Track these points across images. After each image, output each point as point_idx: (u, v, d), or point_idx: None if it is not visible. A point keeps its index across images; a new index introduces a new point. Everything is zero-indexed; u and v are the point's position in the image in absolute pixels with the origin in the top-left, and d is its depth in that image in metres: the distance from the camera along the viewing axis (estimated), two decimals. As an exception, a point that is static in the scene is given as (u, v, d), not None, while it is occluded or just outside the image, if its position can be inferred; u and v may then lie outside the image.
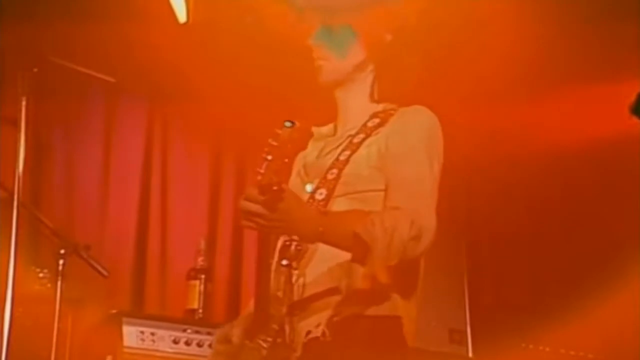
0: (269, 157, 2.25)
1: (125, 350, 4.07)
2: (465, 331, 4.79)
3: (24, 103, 3.27)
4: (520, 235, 5.33)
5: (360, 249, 2.34)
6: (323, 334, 2.42)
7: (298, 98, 2.73)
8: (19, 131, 3.26)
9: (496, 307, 5.27)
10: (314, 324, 2.44)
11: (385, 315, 2.46)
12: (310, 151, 2.75)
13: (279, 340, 2.39)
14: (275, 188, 2.23)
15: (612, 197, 5.07)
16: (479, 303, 4.99)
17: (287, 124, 2.30)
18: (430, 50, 2.75)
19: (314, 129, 2.76)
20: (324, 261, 2.47)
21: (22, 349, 3.25)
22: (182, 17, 4.50)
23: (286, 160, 2.26)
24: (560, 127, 4.94)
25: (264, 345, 2.40)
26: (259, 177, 2.24)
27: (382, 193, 2.48)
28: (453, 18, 4.33)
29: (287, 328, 2.40)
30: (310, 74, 2.69)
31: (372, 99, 2.64)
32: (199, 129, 5.16)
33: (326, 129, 2.73)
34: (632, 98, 2.17)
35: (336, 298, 2.45)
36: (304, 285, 2.48)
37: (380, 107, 2.64)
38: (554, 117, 4.93)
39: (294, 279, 2.46)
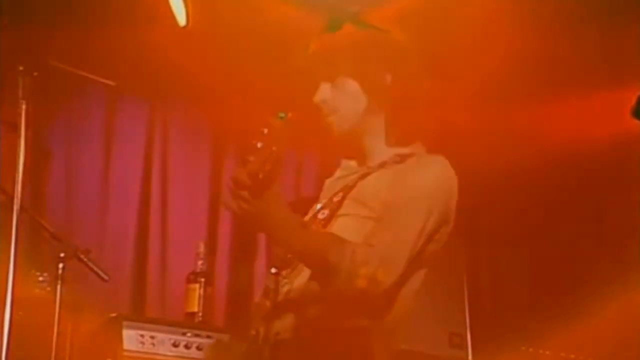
0: (259, 145, 2.25)
1: (125, 353, 4.06)
2: (465, 334, 4.79)
3: (23, 107, 3.26)
4: (520, 238, 5.33)
5: (324, 271, 2.36)
6: (291, 337, 2.43)
7: (298, 98, 2.72)
8: (19, 135, 3.25)
9: (496, 310, 5.27)
10: (284, 327, 2.45)
11: (354, 327, 2.47)
12: (333, 177, 2.77)
13: (253, 346, 2.40)
14: (261, 176, 2.24)
15: (613, 199, 5.08)
16: (479, 306, 4.99)
17: (281, 114, 2.31)
18: (425, 53, 2.73)
19: (343, 161, 2.76)
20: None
21: (22, 352, 3.25)
22: (181, 20, 4.51)
23: (274, 148, 2.26)
24: (562, 129, 4.94)
25: (240, 350, 2.42)
26: (248, 164, 2.24)
27: (373, 222, 2.48)
28: (454, 20, 4.34)
29: (261, 331, 2.42)
30: (310, 76, 2.70)
31: (389, 143, 2.62)
32: (199, 132, 5.16)
33: (354, 162, 2.72)
34: (633, 100, 2.17)
35: (309, 304, 2.46)
36: (288, 291, 2.49)
37: (407, 149, 2.61)
38: (555, 119, 4.93)
39: (280, 286, 2.48)
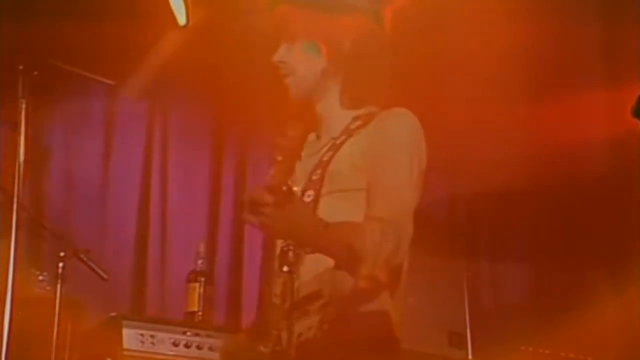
0: (279, 158, 2.25)
1: (125, 353, 4.06)
2: (465, 334, 4.78)
3: (23, 106, 3.27)
4: (519, 237, 5.33)
5: (351, 259, 2.39)
6: (315, 335, 2.44)
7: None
8: (19, 134, 3.26)
9: (496, 309, 5.26)
10: (306, 326, 2.46)
11: (374, 310, 2.49)
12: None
13: (277, 348, 2.40)
14: (284, 188, 2.24)
15: (613, 199, 5.07)
16: (478, 305, 4.99)
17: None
18: (422, 52, 2.74)
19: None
20: (314, 263, 2.48)
21: (21, 352, 3.25)
22: (181, 19, 4.51)
23: (297, 161, 2.27)
24: (561, 129, 4.94)
25: (264, 351, 2.41)
26: (268, 179, 2.23)
27: (364, 192, 2.50)
28: (452, 19, 4.34)
29: (284, 334, 2.41)
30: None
31: (344, 106, 2.64)
32: (199, 132, 5.17)
33: (311, 136, 2.71)
34: (633, 100, 2.17)
35: (326, 299, 2.47)
36: (298, 287, 2.49)
37: (361, 111, 2.63)
38: (554, 119, 4.93)
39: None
